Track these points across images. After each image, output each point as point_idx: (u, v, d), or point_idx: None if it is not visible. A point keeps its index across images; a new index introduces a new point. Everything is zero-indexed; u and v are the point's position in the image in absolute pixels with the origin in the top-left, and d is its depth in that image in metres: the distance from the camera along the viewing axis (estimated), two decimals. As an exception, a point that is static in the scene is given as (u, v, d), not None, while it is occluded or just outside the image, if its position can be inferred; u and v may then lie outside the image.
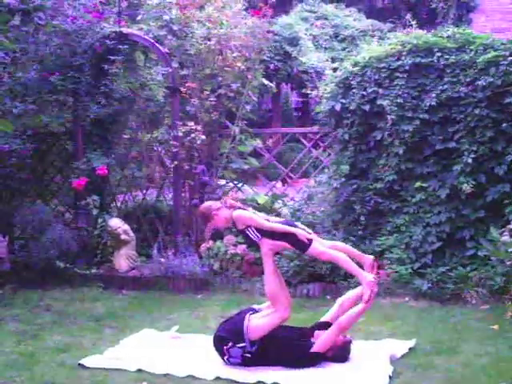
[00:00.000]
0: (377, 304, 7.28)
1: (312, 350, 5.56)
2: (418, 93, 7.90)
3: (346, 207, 8.24)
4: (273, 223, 5.63)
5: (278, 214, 8.62)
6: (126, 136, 9.54)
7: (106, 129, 9.42)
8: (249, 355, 5.52)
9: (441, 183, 7.79)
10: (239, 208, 5.74)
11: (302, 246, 5.57)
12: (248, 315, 5.62)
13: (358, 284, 7.54)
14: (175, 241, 8.71)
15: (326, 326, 5.73)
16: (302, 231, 5.59)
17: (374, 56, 8.14)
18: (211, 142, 9.22)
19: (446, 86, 7.73)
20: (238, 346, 5.51)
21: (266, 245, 5.61)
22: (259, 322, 5.56)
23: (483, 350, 5.74)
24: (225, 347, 5.55)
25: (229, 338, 5.54)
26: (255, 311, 5.72)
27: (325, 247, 5.63)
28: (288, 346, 5.58)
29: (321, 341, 5.57)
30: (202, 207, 5.97)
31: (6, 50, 7.85)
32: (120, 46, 8.71)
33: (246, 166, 9.45)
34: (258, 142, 9.76)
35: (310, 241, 5.56)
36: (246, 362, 5.53)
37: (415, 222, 7.89)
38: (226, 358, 5.57)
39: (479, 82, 7.53)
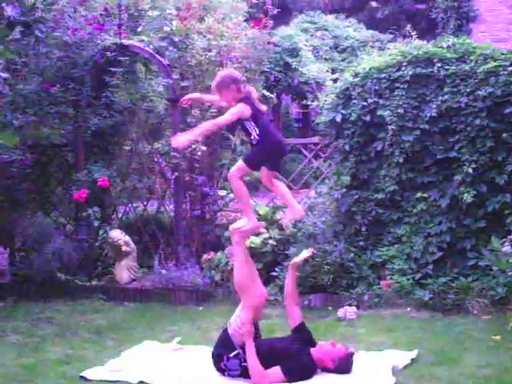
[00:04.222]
0: (378, 315, 7.29)
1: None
2: (419, 103, 7.91)
3: (347, 218, 8.23)
4: None
5: (279, 226, 8.61)
6: (126, 147, 9.55)
7: (106, 140, 9.45)
8: (247, 364, 5.49)
9: (442, 193, 7.78)
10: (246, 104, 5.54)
11: None
12: (228, 323, 5.62)
13: (359, 296, 7.57)
14: (176, 252, 8.71)
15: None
16: None
17: (375, 66, 8.15)
18: (212, 153, 9.23)
19: (446, 97, 7.73)
20: (232, 355, 5.48)
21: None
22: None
23: (485, 361, 5.72)
24: (222, 363, 5.54)
25: (222, 353, 5.53)
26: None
27: None
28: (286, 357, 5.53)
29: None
30: (227, 71, 5.84)
31: (7, 57, 7.86)
32: (121, 58, 8.74)
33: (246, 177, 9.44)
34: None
35: None
36: (245, 373, 5.48)
37: (416, 232, 7.87)
38: (226, 373, 5.55)
39: (479, 92, 7.53)
